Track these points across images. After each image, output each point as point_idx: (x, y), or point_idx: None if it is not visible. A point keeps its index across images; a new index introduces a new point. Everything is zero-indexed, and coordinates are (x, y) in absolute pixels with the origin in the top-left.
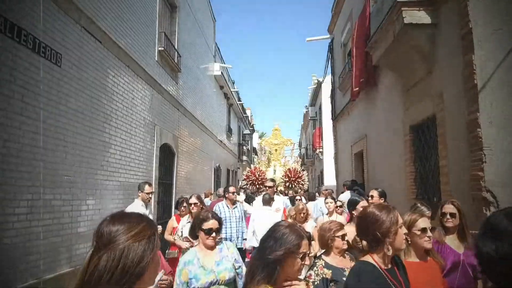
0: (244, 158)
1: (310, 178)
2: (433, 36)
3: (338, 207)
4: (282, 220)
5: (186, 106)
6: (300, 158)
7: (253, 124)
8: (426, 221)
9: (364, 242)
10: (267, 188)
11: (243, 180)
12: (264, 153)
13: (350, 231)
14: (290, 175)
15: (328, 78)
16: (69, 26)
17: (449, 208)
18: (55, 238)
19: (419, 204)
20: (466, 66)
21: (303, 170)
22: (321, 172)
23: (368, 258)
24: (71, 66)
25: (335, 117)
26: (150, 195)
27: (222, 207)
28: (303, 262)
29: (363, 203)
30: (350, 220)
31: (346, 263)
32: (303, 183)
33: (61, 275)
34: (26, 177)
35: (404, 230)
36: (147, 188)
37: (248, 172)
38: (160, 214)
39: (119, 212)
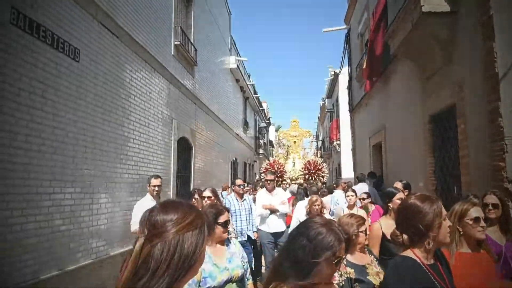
0: (261, 151)
1: (328, 171)
2: (452, 24)
3: (362, 200)
4: (317, 216)
5: (203, 99)
6: (317, 150)
7: (269, 117)
8: (479, 211)
9: (405, 236)
10: (268, 182)
11: (261, 173)
12: (283, 145)
13: (387, 224)
14: (309, 168)
15: (345, 69)
16: (86, 21)
17: (491, 198)
18: (76, 231)
19: (472, 196)
20: (486, 54)
21: (323, 162)
22: (339, 165)
23: (409, 253)
24: (89, 61)
25: (352, 109)
26: (157, 188)
27: (231, 200)
28: (337, 268)
29: (399, 195)
30: (385, 213)
31: (366, 259)
32: (323, 175)
33: (82, 267)
34: (47, 171)
35: (448, 222)
36: (153, 181)
37: (266, 164)
38: None
39: (169, 201)
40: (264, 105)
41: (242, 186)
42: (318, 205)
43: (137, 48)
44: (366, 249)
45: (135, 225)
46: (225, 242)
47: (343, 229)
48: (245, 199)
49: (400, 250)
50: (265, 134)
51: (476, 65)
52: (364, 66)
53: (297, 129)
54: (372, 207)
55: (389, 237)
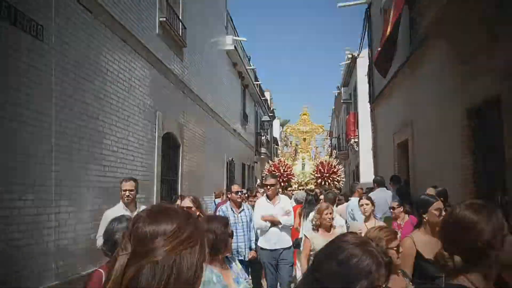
0: (263, 150)
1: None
2: None
3: (392, 209)
4: (349, 233)
5: (193, 87)
6: (331, 150)
7: (273, 109)
8: None
9: (457, 258)
10: (267, 187)
11: (263, 176)
12: (290, 143)
13: (421, 239)
14: (322, 170)
15: (365, 52)
16: None
17: None
18: (38, 246)
19: None
20: None
21: (338, 164)
22: (356, 167)
23: (463, 280)
24: (56, 40)
25: (373, 100)
26: (128, 193)
27: (226, 211)
28: None
29: (437, 204)
30: (417, 225)
31: (400, 284)
32: (338, 179)
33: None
34: (2, 173)
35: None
36: (124, 184)
37: (270, 166)
38: None
39: (158, 207)
40: (267, 95)
41: (240, 193)
42: (330, 215)
43: (114, 26)
44: (399, 271)
45: (101, 240)
46: (225, 260)
47: None
48: (243, 209)
49: (451, 276)
50: (268, 130)
51: None
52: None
53: (308, 123)
54: (405, 218)
55: (426, 256)
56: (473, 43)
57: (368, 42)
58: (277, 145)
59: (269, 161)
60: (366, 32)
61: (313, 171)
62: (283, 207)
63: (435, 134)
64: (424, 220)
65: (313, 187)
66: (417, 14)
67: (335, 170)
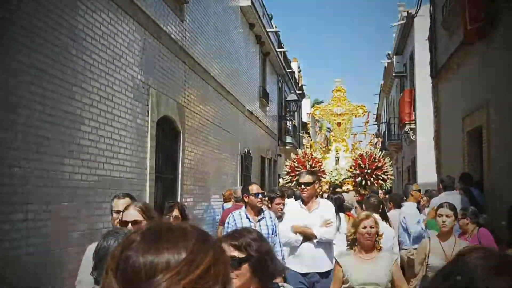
0: (288, 139)
1: (395, 172)
2: None
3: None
4: (474, 246)
5: (197, 57)
6: (377, 139)
7: (302, 86)
8: None
9: None
10: (302, 188)
11: (285, 174)
12: (319, 130)
13: None
14: (362, 165)
15: (425, 9)
16: None
17: None
18: None
19: None
20: None
21: (383, 157)
22: (413, 162)
23: None
24: None
25: (436, 73)
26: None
27: (239, 219)
28: None
29: None
30: (508, 245)
31: None
32: (384, 177)
33: None
34: None
35: None
36: (115, 203)
37: (292, 161)
38: None
39: (158, 225)
40: (294, 66)
41: (259, 195)
42: (372, 229)
43: None
44: None
45: (82, 286)
46: None
47: None
48: (263, 217)
49: None
50: (296, 113)
51: None
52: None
53: (343, 103)
54: (474, 231)
55: None
56: None
57: None
58: (308, 133)
59: (292, 154)
60: None
61: (351, 166)
62: (322, 215)
63: None
64: None
65: (350, 187)
66: None
67: (379, 164)
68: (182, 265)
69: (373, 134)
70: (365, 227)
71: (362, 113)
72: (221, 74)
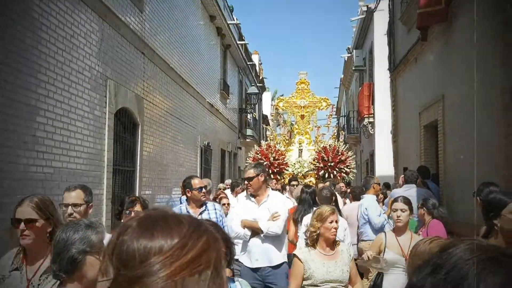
0: (249, 132)
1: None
2: None
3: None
4: (460, 240)
5: (156, 48)
6: (338, 133)
7: (262, 78)
8: None
9: None
10: (248, 182)
11: (245, 167)
12: (283, 122)
13: None
14: (326, 158)
15: (384, 4)
16: None
17: None
18: None
19: None
20: None
21: (347, 150)
22: (371, 156)
23: None
24: None
25: (394, 67)
26: (71, 211)
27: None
28: None
29: None
30: (486, 234)
31: None
32: (347, 170)
33: None
34: None
35: None
36: (65, 195)
37: (256, 153)
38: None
39: (153, 213)
40: (255, 58)
41: (202, 189)
42: (337, 224)
43: None
44: None
45: None
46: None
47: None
48: (205, 209)
49: None
50: (256, 106)
51: None
52: None
53: (307, 95)
54: (429, 221)
55: None
56: None
57: None
58: (267, 125)
59: (255, 146)
60: None
61: (314, 159)
62: (270, 208)
63: (471, 114)
64: (496, 227)
65: (313, 180)
66: None
67: (342, 158)
68: (174, 249)
69: (336, 127)
70: (331, 222)
71: (326, 106)
72: (181, 66)
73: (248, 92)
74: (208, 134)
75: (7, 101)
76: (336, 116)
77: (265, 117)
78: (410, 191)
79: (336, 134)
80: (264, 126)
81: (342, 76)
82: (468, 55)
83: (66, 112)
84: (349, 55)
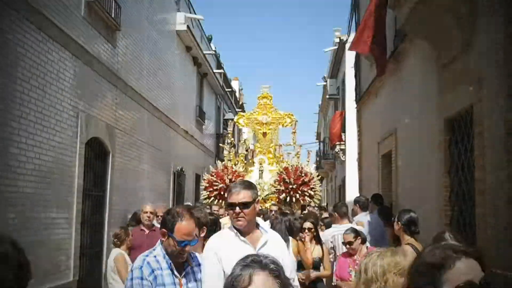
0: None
1: (329, 190)
2: None
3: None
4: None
5: (128, 80)
6: (317, 158)
7: (242, 104)
8: None
9: None
10: (234, 211)
11: (203, 189)
12: (245, 141)
13: None
14: (287, 179)
15: (354, 36)
16: None
17: None
18: None
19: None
20: (507, 41)
21: (315, 171)
22: (343, 181)
23: None
24: None
25: (359, 99)
26: None
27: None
28: None
29: None
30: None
31: None
32: (311, 193)
33: None
34: None
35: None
36: None
37: (212, 174)
38: (86, 242)
39: None
40: (235, 84)
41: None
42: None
43: (26, 8)
44: None
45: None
46: None
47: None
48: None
49: None
50: (235, 130)
51: (498, 55)
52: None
53: (270, 110)
54: (362, 250)
55: None
56: (450, 46)
57: (355, 26)
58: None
59: (211, 166)
60: (354, 14)
61: (275, 181)
62: (279, 255)
63: (416, 146)
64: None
65: (275, 204)
66: (393, 6)
67: (306, 179)
68: None
69: (300, 145)
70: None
71: (290, 122)
72: (154, 96)
73: (225, 118)
74: (182, 160)
75: None
76: (317, 141)
77: (244, 141)
78: (368, 217)
79: (299, 152)
80: (223, 144)
81: (321, 103)
82: (413, 93)
83: (39, 142)
84: (325, 83)
